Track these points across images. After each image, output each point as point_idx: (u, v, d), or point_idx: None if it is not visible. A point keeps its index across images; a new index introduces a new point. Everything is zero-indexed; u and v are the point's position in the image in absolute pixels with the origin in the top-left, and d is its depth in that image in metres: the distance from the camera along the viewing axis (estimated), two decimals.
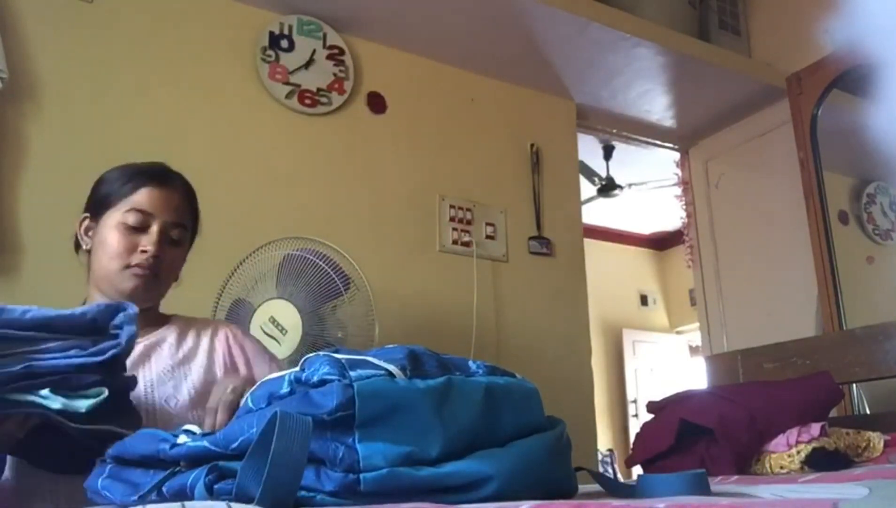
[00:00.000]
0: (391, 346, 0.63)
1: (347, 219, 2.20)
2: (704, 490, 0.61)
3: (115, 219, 1.10)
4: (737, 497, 0.56)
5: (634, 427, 5.58)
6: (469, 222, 2.41)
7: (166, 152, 1.97)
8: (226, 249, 1.74)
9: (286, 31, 2.20)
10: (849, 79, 2.33)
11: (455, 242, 2.37)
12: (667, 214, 4.83)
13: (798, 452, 1.10)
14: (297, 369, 0.58)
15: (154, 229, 1.09)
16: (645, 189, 4.73)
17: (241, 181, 2.05)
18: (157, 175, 1.14)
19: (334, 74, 2.26)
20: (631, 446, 1.38)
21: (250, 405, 0.59)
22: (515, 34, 2.38)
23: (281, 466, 0.46)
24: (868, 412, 2.26)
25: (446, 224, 2.38)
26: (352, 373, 0.54)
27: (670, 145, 3.22)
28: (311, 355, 0.58)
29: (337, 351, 0.59)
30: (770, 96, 2.77)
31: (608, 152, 4.21)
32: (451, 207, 2.40)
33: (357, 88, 2.31)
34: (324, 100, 2.23)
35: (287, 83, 2.17)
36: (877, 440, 1.22)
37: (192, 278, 1.29)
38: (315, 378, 0.54)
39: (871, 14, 0.73)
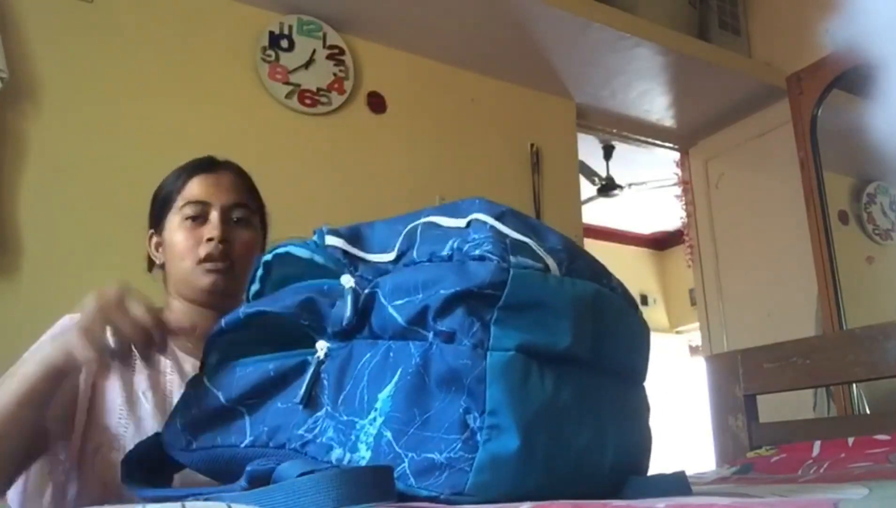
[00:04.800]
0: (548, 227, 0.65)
1: (347, 219, 2.18)
2: (687, 491, 0.62)
3: (175, 220, 1.04)
4: (737, 497, 0.56)
5: None
6: None
7: (166, 152, 1.99)
8: None
9: (286, 31, 2.20)
10: (849, 79, 2.32)
11: None
12: (667, 214, 4.82)
13: None
14: (463, 224, 0.59)
15: (214, 215, 1.03)
16: (645, 189, 4.72)
17: None
18: (203, 164, 1.09)
19: (334, 74, 2.26)
20: None
21: (414, 256, 0.60)
22: (515, 34, 2.38)
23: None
24: (868, 412, 2.26)
25: None
26: (511, 258, 0.55)
27: (670, 145, 3.22)
28: (479, 216, 0.60)
29: (505, 215, 0.60)
30: (770, 96, 2.77)
31: (608, 152, 4.20)
32: None
33: (357, 87, 2.31)
34: (324, 100, 2.23)
35: (287, 83, 2.17)
36: None
37: None
38: (476, 252, 0.56)
39: (871, 14, 0.73)
